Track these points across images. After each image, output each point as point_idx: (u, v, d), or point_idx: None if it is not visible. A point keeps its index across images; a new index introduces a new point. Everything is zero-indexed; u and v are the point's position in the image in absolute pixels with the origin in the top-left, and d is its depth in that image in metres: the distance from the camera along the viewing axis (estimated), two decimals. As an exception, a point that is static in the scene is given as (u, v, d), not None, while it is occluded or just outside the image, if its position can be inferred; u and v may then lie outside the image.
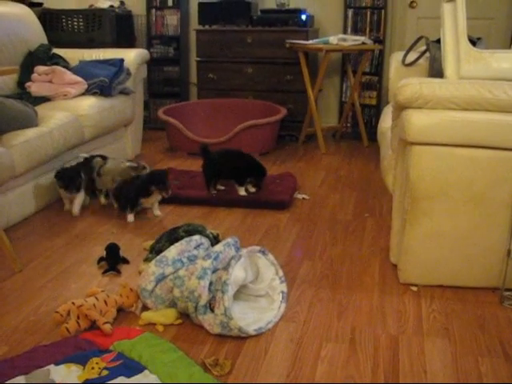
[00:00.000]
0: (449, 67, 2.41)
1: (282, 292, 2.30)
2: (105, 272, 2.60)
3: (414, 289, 2.44)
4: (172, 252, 2.28)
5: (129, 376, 1.84)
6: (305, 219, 3.26)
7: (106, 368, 1.88)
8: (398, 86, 2.24)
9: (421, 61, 3.62)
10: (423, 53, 3.61)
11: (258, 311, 2.24)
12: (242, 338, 2.08)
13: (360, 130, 5.08)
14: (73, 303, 2.16)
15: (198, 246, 2.36)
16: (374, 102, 5.19)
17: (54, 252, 2.82)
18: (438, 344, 2.05)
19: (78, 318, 2.12)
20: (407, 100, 2.21)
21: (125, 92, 4.26)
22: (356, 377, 1.87)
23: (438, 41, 3.40)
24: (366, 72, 5.12)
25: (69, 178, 3.30)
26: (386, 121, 3.18)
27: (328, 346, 2.04)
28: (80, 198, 3.36)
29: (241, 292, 2.30)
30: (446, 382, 1.85)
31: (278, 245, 2.90)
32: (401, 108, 2.30)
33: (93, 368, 1.88)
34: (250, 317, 2.19)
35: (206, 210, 3.39)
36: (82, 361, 1.91)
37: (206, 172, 3.59)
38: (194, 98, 5.71)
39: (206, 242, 2.42)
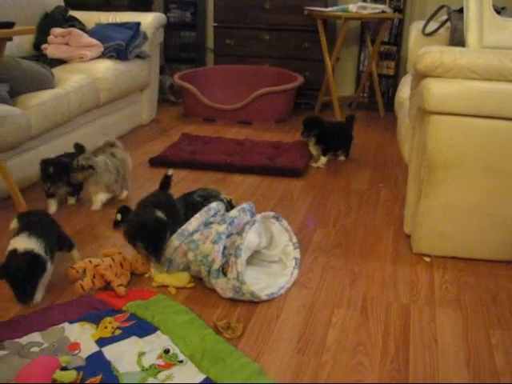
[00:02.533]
0: (471, 36, 2.37)
1: (295, 258, 2.30)
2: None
3: (427, 259, 2.44)
4: (193, 224, 2.26)
5: (141, 336, 1.87)
6: (319, 187, 3.26)
7: (118, 327, 1.91)
8: (418, 54, 2.21)
9: (441, 31, 3.57)
10: (444, 22, 3.55)
11: (271, 277, 2.25)
12: (253, 302, 2.09)
13: (377, 100, 5.02)
14: (89, 261, 2.18)
15: (215, 214, 2.36)
16: (391, 72, 5.11)
17: (69, 213, 2.84)
18: (450, 315, 2.06)
19: (94, 276, 2.15)
20: (427, 68, 2.18)
21: (141, 56, 4.24)
22: (367, 344, 1.88)
23: (460, 10, 3.34)
24: (385, 41, 5.03)
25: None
26: (403, 91, 3.14)
27: (339, 312, 2.05)
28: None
29: (254, 257, 2.31)
30: (457, 352, 1.85)
31: (292, 212, 2.90)
32: (420, 76, 2.27)
33: (106, 327, 1.91)
34: (263, 282, 2.20)
35: (220, 176, 3.39)
36: (95, 320, 1.95)
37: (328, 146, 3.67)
38: (210, 64, 5.67)
39: (222, 208, 2.42)
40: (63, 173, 2.83)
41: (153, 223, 2.22)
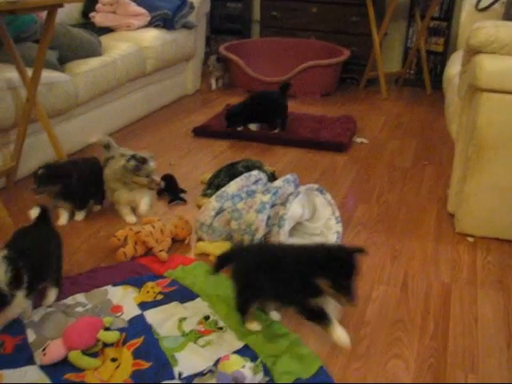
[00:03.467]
0: (528, 11, 2.29)
1: (338, 232, 2.29)
2: (170, 202, 2.64)
3: (471, 239, 2.41)
4: (232, 187, 2.29)
5: (182, 302, 1.91)
6: (362, 163, 3.23)
7: (160, 293, 1.94)
8: (472, 29, 2.15)
9: (496, 6, 3.46)
10: (499, -3, 3.45)
11: (312, 249, 2.25)
12: (294, 274, 2.10)
13: (424, 77, 4.92)
14: (130, 229, 2.21)
15: (256, 182, 2.37)
16: (440, 48, 5.00)
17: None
18: (491, 296, 2.03)
19: (136, 243, 2.18)
20: (481, 44, 2.12)
21: (187, 26, 4.24)
22: (406, 320, 1.87)
23: (517, -15, 3.23)
24: (435, 17, 4.90)
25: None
26: (453, 68, 3.07)
27: (380, 288, 2.05)
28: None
29: (296, 230, 2.31)
30: (497, 333, 1.83)
31: (335, 186, 2.88)
32: (473, 52, 2.21)
33: (148, 292, 1.95)
34: (304, 254, 2.20)
35: (263, 148, 3.40)
36: (138, 284, 1.99)
37: None
38: (255, 36, 5.63)
39: (264, 177, 2.43)
40: (57, 179, 2.34)
41: (338, 250, 1.72)
